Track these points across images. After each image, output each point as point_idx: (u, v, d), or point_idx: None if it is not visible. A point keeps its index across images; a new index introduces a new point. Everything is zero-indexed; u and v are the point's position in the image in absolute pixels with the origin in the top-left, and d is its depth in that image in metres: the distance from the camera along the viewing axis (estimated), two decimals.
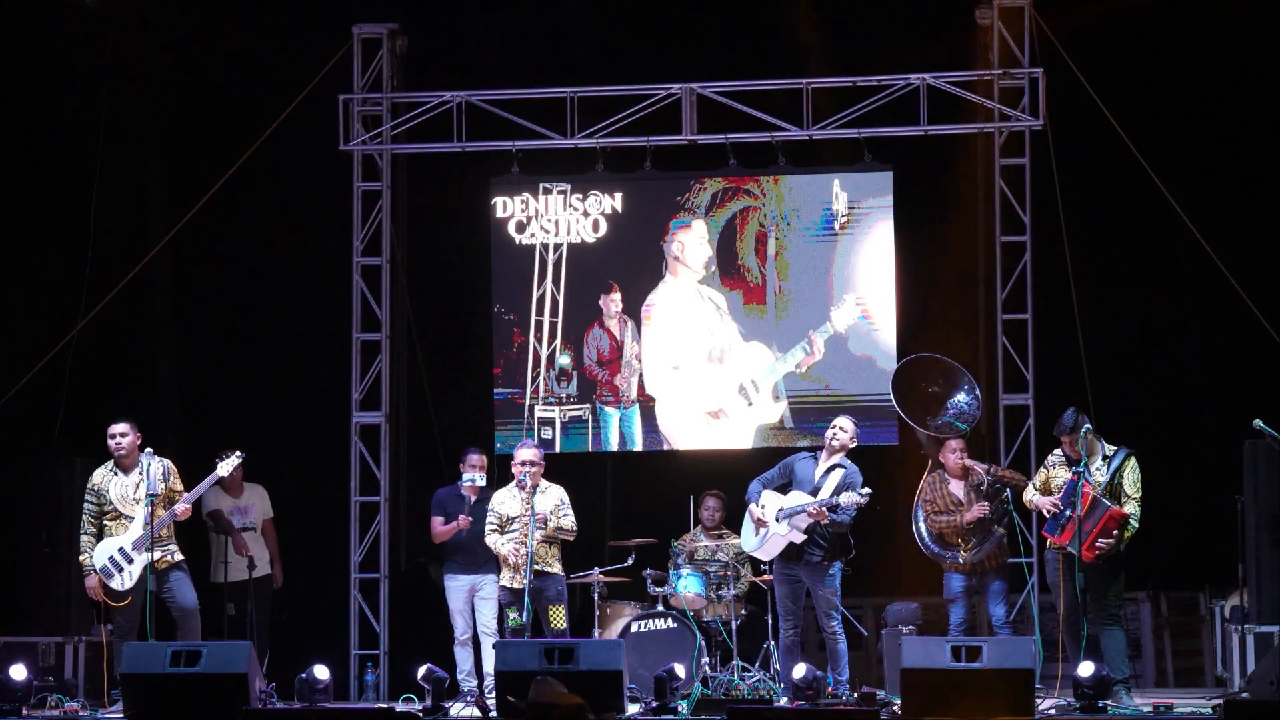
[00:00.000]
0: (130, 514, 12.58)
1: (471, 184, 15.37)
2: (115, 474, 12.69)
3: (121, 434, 12.70)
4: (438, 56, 15.55)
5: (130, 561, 12.51)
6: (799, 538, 12.79)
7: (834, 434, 12.97)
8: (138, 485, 12.61)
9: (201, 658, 11.71)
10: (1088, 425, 12.47)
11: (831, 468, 12.90)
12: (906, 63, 14.64)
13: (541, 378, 15.10)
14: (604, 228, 15.08)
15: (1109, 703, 12.01)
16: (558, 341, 15.11)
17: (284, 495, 14.58)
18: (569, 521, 12.90)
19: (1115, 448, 12.53)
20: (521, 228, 15.17)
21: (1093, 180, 14.79)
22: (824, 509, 12.65)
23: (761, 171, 14.90)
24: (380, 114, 15.11)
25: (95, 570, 12.55)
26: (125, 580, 12.52)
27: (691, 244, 15.06)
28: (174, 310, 16.07)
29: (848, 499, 12.65)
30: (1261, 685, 11.94)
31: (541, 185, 15.09)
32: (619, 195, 15.07)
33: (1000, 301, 14.54)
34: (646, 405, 15.03)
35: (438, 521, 13.66)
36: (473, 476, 13.58)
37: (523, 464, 12.90)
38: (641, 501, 15.42)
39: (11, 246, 15.39)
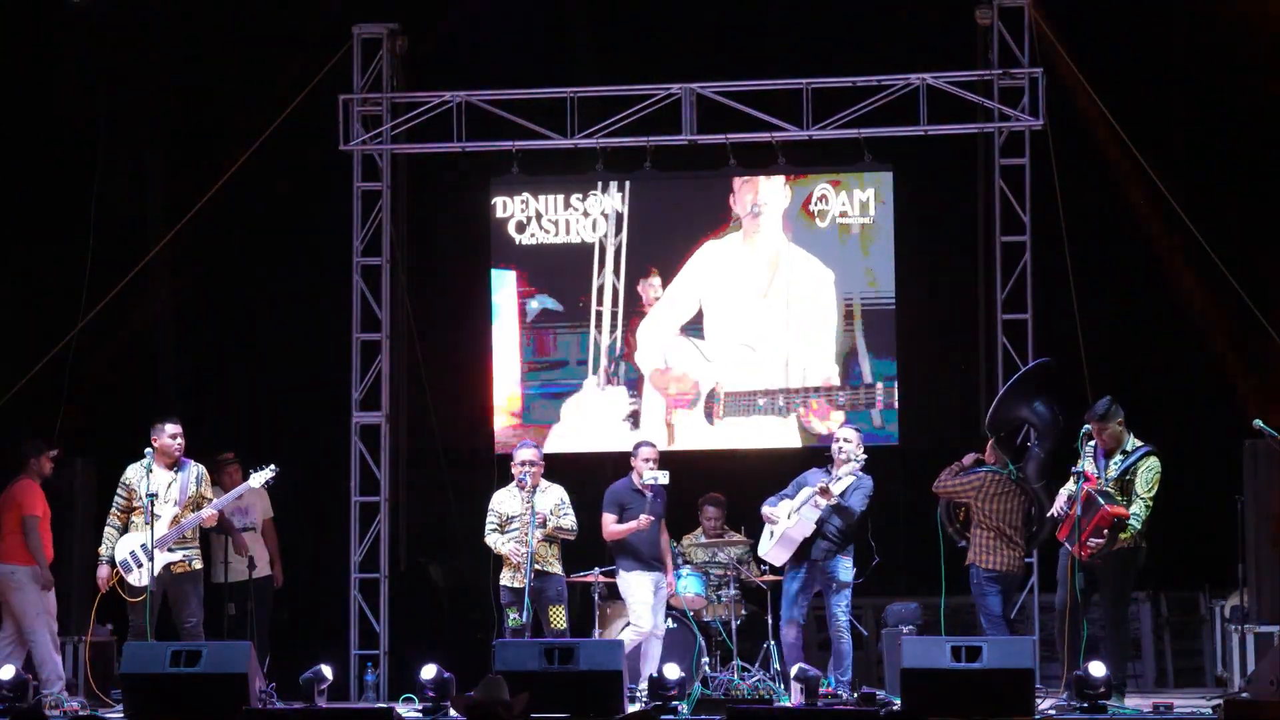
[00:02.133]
0: (158, 512, 12.63)
1: (471, 184, 15.36)
2: (150, 471, 12.74)
3: (181, 434, 12.81)
4: (438, 56, 15.55)
5: (150, 559, 12.55)
6: (809, 528, 12.86)
7: (839, 448, 13.05)
8: (169, 485, 12.68)
9: (201, 658, 11.73)
10: (1108, 424, 12.40)
11: (843, 475, 13.02)
12: (906, 63, 14.64)
13: (602, 369, 15.11)
14: (601, 226, 15.09)
15: (1109, 702, 12.01)
16: (619, 332, 15.10)
17: (284, 495, 14.58)
18: (569, 521, 12.90)
19: (1139, 444, 12.49)
20: (521, 228, 15.17)
21: (1093, 180, 14.79)
22: (827, 485, 12.77)
23: (763, 171, 14.90)
24: (380, 114, 15.11)
25: (113, 562, 12.60)
26: (142, 576, 12.56)
27: (746, 197, 14.92)
28: (174, 310, 16.07)
29: (846, 469, 12.80)
30: (1261, 685, 11.94)
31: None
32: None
33: (1000, 301, 14.54)
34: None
35: (610, 519, 13.32)
36: (655, 475, 13.31)
37: (522, 464, 12.90)
38: None
39: (11, 246, 15.40)
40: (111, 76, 15.41)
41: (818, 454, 13.64)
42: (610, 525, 13.37)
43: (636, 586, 13.28)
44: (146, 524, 12.54)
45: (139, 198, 15.95)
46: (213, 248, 15.55)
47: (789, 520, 12.89)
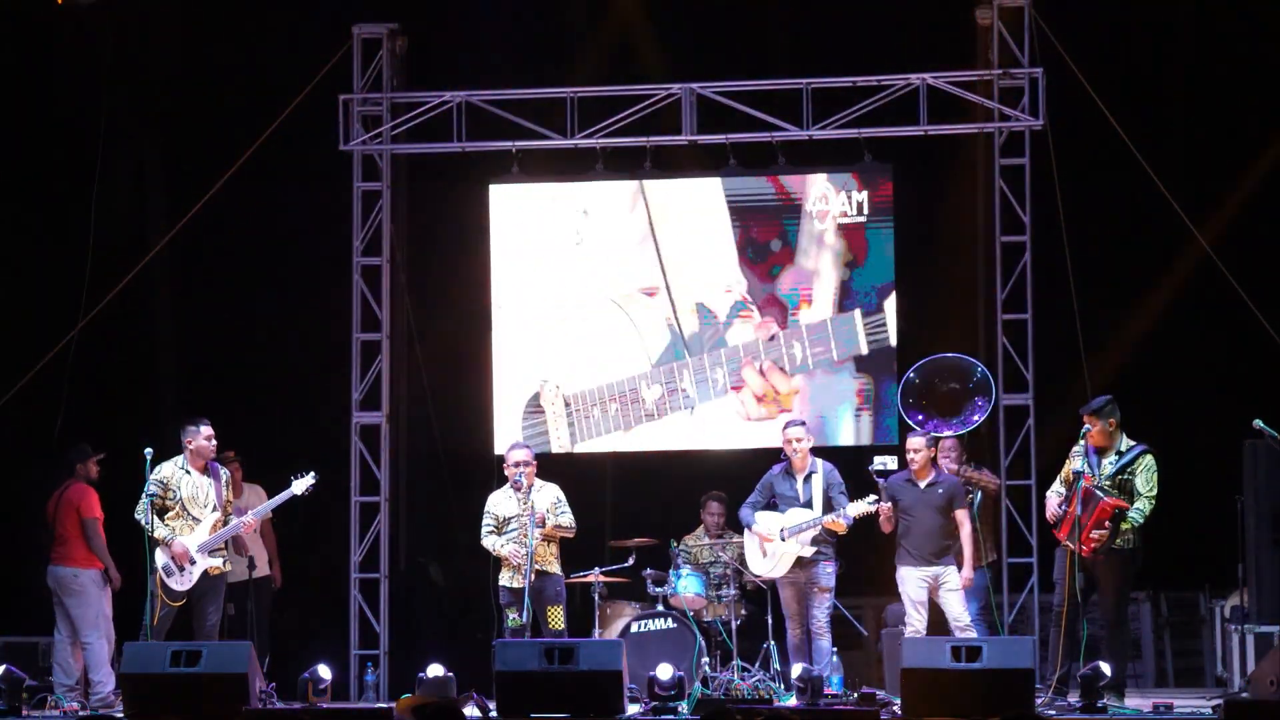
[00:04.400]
0: (198, 516, 12.65)
1: (471, 184, 15.36)
2: (187, 473, 12.74)
3: (213, 435, 12.82)
4: (438, 56, 15.55)
5: (193, 563, 12.55)
6: (810, 551, 12.92)
7: (794, 448, 13.05)
8: (207, 490, 12.72)
9: (201, 658, 11.73)
10: (1100, 420, 12.40)
11: (808, 475, 13.04)
12: (906, 63, 14.64)
13: None
14: (599, 227, 15.11)
15: (1109, 702, 12.01)
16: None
17: None
18: (567, 519, 12.89)
19: (1134, 444, 12.49)
20: (521, 227, 15.17)
21: (1093, 180, 14.80)
22: (839, 520, 12.79)
23: (761, 171, 14.90)
24: (380, 114, 15.10)
25: (167, 541, 12.54)
26: (184, 581, 12.57)
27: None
28: (174, 310, 16.07)
29: (857, 509, 12.80)
30: (1261, 685, 11.94)
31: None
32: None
33: (1000, 301, 14.54)
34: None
35: (886, 508, 13.06)
36: (884, 460, 13.10)
37: (516, 465, 12.88)
38: (642, 502, 15.42)
39: (11, 246, 15.40)
40: (111, 76, 15.41)
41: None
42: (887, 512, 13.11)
43: (910, 583, 13.03)
44: (197, 525, 12.60)
45: (139, 198, 15.95)
46: (213, 247, 15.55)
47: (787, 544, 12.91)
